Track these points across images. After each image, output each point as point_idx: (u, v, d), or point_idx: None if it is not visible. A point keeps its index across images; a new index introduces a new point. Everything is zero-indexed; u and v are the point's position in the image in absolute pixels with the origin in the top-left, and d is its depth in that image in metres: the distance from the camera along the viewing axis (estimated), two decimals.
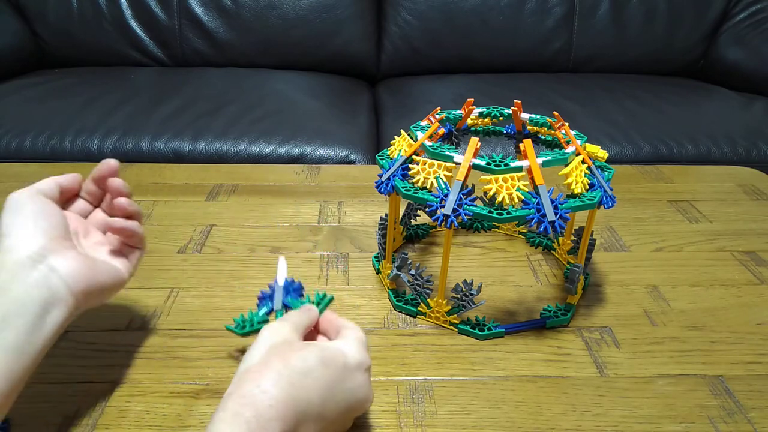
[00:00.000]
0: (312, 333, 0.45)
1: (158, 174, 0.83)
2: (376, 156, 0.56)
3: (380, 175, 0.53)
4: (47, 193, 0.43)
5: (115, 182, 0.47)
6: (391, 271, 0.56)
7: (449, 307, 0.52)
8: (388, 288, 0.58)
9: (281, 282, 0.49)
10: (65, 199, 0.47)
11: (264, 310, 0.48)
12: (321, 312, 0.45)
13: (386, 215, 0.57)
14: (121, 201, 0.46)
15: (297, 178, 0.83)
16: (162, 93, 1.32)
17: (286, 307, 0.48)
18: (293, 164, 0.96)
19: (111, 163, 0.47)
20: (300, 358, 0.36)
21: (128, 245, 0.47)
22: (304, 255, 0.64)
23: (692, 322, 0.55)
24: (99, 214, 0.48)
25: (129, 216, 0.47)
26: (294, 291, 0.49)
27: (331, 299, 0.47)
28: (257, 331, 0.46)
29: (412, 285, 0.54)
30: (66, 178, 0.46)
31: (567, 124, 0.55)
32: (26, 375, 0.36)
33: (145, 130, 1.16)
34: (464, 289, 0.51)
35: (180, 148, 1.14)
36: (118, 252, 0.46)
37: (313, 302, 0.47)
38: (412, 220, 0.68)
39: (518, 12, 1.56)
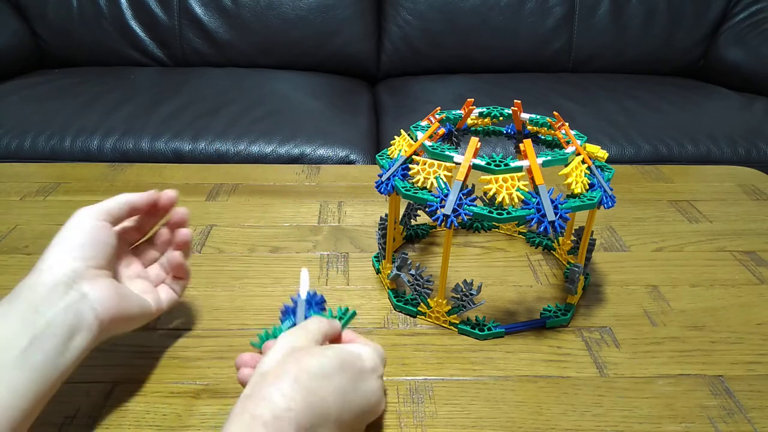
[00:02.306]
0: None
1: (158, 174, 0.83)
2: (376, 156, 0.56)
3: (380, 175, 0.53)
4: (113, 213, 0.44)
5: (180, 212, 0.49)
6: (391, 271, 0.56)
7: (449, 307, 0.52)
8: (388, 288, 0.58)
9: (303, 295, 0.49)
10: (134, 215, 0.48)
11: (287, 324, 0.47)
12: (343, 326, 0.45)
13: (386, 215, 0.57)
14: (185, 233, 0.48)
15: (297, 178, 0.83)
16: (162, 93, 1.32)
17: None
18: (293, 164, 0.96)
19: (172, 194, 0.49)
20: (317, 362, 0.36)
21: (170, 287, 0.49)
22: (304, 255, 0.64)
23: (692, 322, 0.55)
24: (144, 247, 0.50)
25: (183, 249, 0.49)
26: (316, 305, 0.48)
27: (354, 314, 0.47)
28: None
29: (412, 285, 0.54)
30: (140, 197, 0.47)
31: (567, 124, 0.55)
32: (48, 396, 0.36)
33: (145, 130, 1.17)
34: (464, 289, 0.51)
35: (180, 148, 1.14)
36: (151, 289, 0.47)
37: (335, 316, 0.47)
38: (412, 220, 0.68)
39: (518, 12, 1.56)
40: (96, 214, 0.43)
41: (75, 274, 0.39)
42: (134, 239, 0.49)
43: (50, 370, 0.36)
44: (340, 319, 0.46)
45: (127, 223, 0.48)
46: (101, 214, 0.43)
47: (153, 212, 0.49)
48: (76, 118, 1.19)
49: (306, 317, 0.47)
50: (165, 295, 0.48)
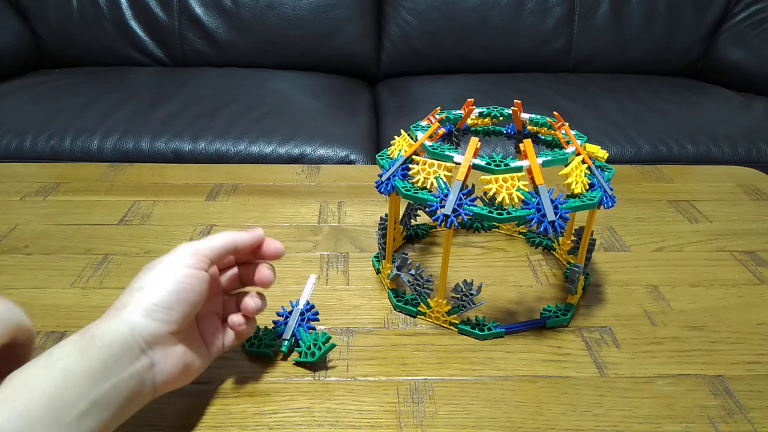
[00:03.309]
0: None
1: (158, 174, 0.83)
2: (376, 156, 0.56)
3: (380, 175, 0.53)
4: (215, 257, 0.42)
5: (274, 247, 0.45)
6: (391, 271, 0.56)
7: (449, 307, 0.52)
8: (388, 288, 0.58)
9: (303, 303, 0.50)
10: (237, 254, 0.45)
11: (274, 333, 0.50)
12: (320, 357, 0.47)
13: (386, 215, 0.57)
14: (267, 276, 0.45)
15: (297, 178, 0.83)
16: (162, 93, 1.32)
17: (295, 337, 0.49)
18: (293, 164, 0.96)
19: (279, 247, 0.46)
20: None
21: (234, 331, 0.46)
22: (304, 255, 0.64)
23: (692, 322, 0.55)
24: (233, 277, 0.47)
25: (257, 310, 0.45)
26: (309, 319, 0.50)
27: (333, 346, 0.48)
28: (263, 354, 0.49)
29: (412, 285, 0.54)
30: (246, 239, 0.44)
31: (567, 124, 0.55)
32: None
33: (145, 130, 1.17)
34: (464, 289, 0.51)
35: (180, 148, 1.14)
36: (219, 331, 0.45)
37: (318, 340, 0.48)
38: (412, 220, 0.68)
39: (518, 12, 1.56)
40: (196, 260, 0.40)
41: (152, 338, 0.37)
42: (228, 266, 0.47)
43: None
44: (320, 346, 0.47)
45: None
46: (201, 260, 0.40)
47: (254, 252, 0.46)
48: (76, 118, 1.19)
49: (295, 330, 0.49)
50: (228, 339, 0.46)
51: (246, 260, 0.47)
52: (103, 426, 0.35)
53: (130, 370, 0.36)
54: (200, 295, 0.40)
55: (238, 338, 0.46)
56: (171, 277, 0.39)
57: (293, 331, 0.49)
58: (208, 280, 0.41)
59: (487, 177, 0.47)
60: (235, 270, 0.47)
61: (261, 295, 0.45)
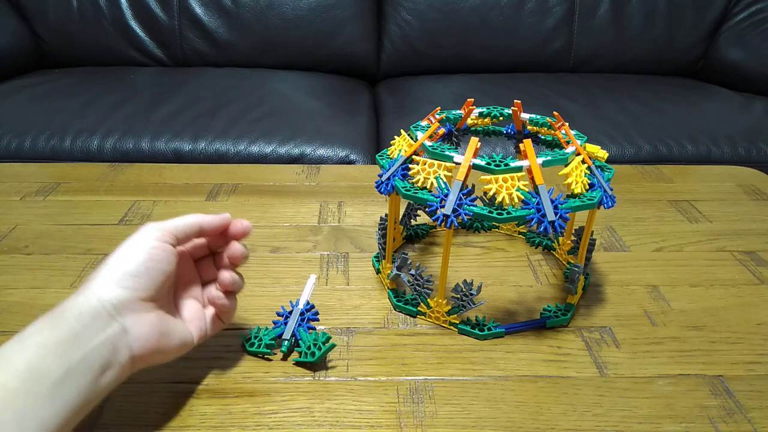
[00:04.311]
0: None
1: (158, 174, 0.83)
2: (376, 156, 0.56)
3: (380, 175, 0.53)
4: (180, 235, 0.43)
5: (241, 226, 0.46)
6: (391, 271, 0.56)
7: (449, 307, 0.52)
8: (388, 288, 0.58)
9: (302, 303, 0.51)
10: (203, 237, 0.46)
11: (274, 333, 0.50)
12: (320, 357, 0.47)
13: (386, 215, 0.57)
14: (239, 250, 0.45)
15: (297, 178, 0.83)
16: (162, 93, 1.32)
17: (295, 337, 0.49)
18: (293, 164, 0.96)
19: (246, 225, 0.46)
20: None
21: (217, 315, 0.46)
22: (304, 255, 0.64)
23: (692, 322, 0.55)
24: (208, 261, 0.48)
25: (234, 264, 0.46)
26: (309, 319, 0.50)
27: (333, 346, 0.48)
28: (262, 354, 0.49)
29: (412, 285, 0.54)
30: (212, 220, 0.45)
31: (567, 124, 0.55)
32: (70, 429, 0.35)
33: (145, 130, 1.17)
34: (464, 289, 0.51)
35: (180, 148, 1.14)
36: (200, 314, 0.45)
37: (317, 340, 0.48)
38: (412, 220, 0.68)
39: (518, 12, 1.56)
40: (161, 234, 0.41)
41: (121, 305, 0.38)
42: (200, 254, 0.47)
43: (78, 405, 0.35)
44: (320, 346, 0.47)
45: (196, 240, 0.46)
46: (166, 235, 0.42)
47: (224, 235, 0.46)
48: (76, 118, 1.19)
49: (295, 330, 0.49)
50: (210, 322, 0.46)
51: (220, 247, 0.47)
52: (82, 397, 0.35)
53: (102, 336, 0.36)
54: (168, 264, 0.41)
55: (221, 317, 0.47)
56: (137, 249, 0.40)
57: (293, 331, 0.49)
58: (175, 253, 0.42)
59: (487, 177, 0.47)
60: (210, 259, 0.48)
61: (238, 273, 0.46)
